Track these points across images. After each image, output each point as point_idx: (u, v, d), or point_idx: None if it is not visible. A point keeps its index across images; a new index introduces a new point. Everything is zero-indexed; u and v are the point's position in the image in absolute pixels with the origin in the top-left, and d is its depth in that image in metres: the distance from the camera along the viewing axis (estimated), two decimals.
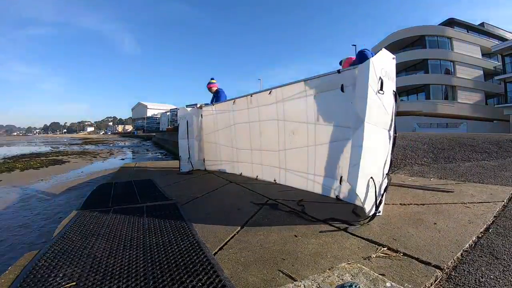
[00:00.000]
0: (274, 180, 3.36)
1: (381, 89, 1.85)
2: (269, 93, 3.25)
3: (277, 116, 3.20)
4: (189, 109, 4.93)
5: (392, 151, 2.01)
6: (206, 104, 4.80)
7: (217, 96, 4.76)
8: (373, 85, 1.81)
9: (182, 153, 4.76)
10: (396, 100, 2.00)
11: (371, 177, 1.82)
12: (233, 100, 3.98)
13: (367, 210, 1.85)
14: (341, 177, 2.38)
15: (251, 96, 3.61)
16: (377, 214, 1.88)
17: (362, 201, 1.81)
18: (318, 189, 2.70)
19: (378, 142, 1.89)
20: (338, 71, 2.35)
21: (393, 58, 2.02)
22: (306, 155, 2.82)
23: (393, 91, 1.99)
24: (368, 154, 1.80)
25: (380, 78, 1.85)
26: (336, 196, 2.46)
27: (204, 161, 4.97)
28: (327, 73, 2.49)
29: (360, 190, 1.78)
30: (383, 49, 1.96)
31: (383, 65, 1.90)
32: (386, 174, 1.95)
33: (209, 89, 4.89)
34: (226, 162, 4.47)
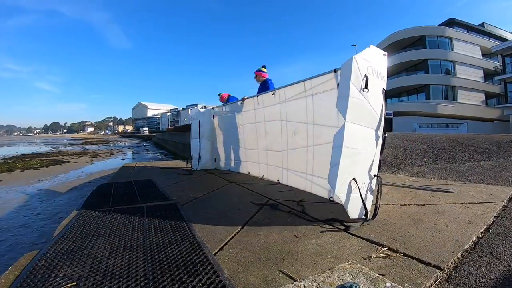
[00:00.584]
0: (278, 180, 3.39)
1: (366, 87, 1.77)
2: (273, 94, 3.29)
3: (280, 116, 3.23)
4: (201, 109, 4.98)
5: (381, 151, 1.93)
6: (249, 97, 4.10)
7: (265, 87, 4.04)
8: (356, 83, 1.75)
9: (194, 152, 4.85)
10: (385, 99, 1.92)
11: (354, 178, 1.76)
12: (242, 101, 4.05)
13: (350, 213, 1.79)
14: None
15: (257, 97, 3.67)
16: (364, 216, 1.81)
17: (343, 203, 1.76)
18: (314, 190, 2.69)
19: (363, 142, 1.82)
20: (335, 70, 2.29)
21: (384, 55, 1.94)
22: (305, 155, 2.82)
23: (383, 89, 1.91)
24: (350, 154, 1.74)
25: (365, 75, 1.78)
26: (330, 198, 2.41)
27: (215, 161, 5.02)
28: (324, 72, 2.47)
29: (340, 192, 1.72)
30: (371, 46, 1.88)
31: (370, 62, 1.83)
32: (375, 175, 1.89)
33: (257, 76, 4.16)
34: (235, 162, 4.51)
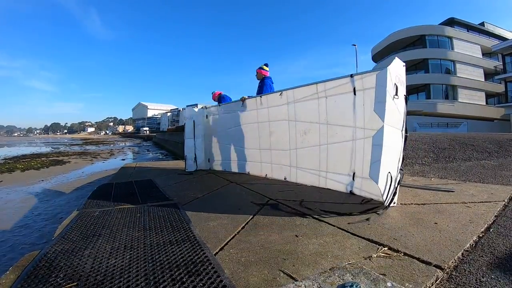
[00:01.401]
0: (285, 178, 3.46)
1: (396, 94, 2.05)
2: (280, 94, 3.35)
3: (288, 116, 3.29)
4: (196, 109, 4.94)
5: (404, 148, 2.21)
6: (250, 97, 4.03)
7: (262, 85, 4.04)
8: (390, 91, 2.00)
9: (188, 153, 4.78)
10: (406, 103, 2.22)
11: (389, 172, 2.01)
12: (241, 101, 4.08)
13: (385, 201, 2.07)
14: (353, 173, 2.56)
15: (261, 97, 3.74)
16: (393, 204, 2.09)
17: (382, 193, 2.04)
18: (329, 185, 2.86)
19: (394, 141, 2.08)
20: (351, 75, 2.52)
21: (404, 66, 2.24)
22: (318, 153, 2.95)
23: (404, 95, 2.20)
24: (387, 152, 2.00)
25: (395, 84, 2.04)
26: (350, 191, 2.62)
27: (209, 161, 5.01)
28: (340, 76, 2.65)
29: (381, 184, 1.98)
30: (396, 57, 2.14)
31: (397, 72, 2.09)
32: (400, 169, 2.18)
33: (257, 74, 4.15)
34: (233, 162, 4.51)
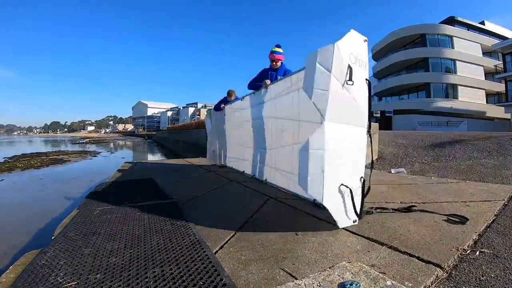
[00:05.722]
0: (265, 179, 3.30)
1: (350, 79, 1.56)
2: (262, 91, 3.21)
3: (270, 113, 3.13)
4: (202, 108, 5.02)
5: (371, 149, 1.77)
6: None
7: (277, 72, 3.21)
8: (338, 75, 1.53)
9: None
10: (369, 90, 1.73)
11: (342, 184, 1.61)
12: (242, 98, 4.02)
13: (339, 222, 1.66)
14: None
15: (254, 93, 3.57)
16: (355, 222, 1.72)
17: (331, 211, 1.60)
18: (297, 189, 2.47)
19: (349, 142, 1.66)
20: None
21: (365, 41, 1.73)
22: (291, 153, 2.57)
23: (366, 79, 1.71)
24: (335, 158, 1.55)
25: (348, 66, 1.56)
26: (314, 200, 2.13)
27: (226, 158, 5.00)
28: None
29: (329, 202, 1.56)
30: (352, 30, 1.65)
31: (352, 50, 1.59)
32: (361, 177, 1.74)
33: (272, 61, 3.20)
34: (235, 160, 4.52)
